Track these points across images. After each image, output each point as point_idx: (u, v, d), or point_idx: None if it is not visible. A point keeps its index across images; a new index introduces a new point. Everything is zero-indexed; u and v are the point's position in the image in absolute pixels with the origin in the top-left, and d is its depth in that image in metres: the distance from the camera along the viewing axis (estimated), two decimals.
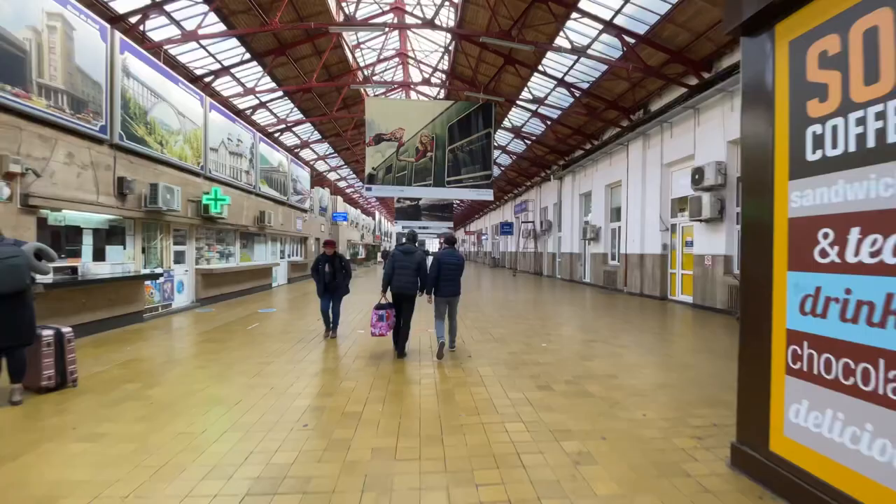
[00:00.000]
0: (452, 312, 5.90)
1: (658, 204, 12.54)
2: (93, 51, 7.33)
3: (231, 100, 14.58)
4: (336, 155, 24.93)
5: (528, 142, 19.50)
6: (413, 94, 19.31)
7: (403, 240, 6.08)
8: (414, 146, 12.83)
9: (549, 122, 16.48)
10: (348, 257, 29.41)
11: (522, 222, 25.93)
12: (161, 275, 8.87)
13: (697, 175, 10.27)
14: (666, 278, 12.38)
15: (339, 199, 28.08)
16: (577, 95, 13.59)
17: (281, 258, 17.04)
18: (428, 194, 13.64)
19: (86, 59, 7.17)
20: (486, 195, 12.99)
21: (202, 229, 11.12)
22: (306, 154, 23.12)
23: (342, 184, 33.97)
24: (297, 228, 18.17)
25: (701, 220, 10.35)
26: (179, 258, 10.26)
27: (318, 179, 27.41)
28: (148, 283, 8.78)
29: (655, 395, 4.39)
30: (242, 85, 13.53)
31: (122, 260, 8.19)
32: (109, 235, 7.98)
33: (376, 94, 15.59)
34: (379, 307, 5.60)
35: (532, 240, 24.68)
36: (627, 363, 5.59)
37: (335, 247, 6.93)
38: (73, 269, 7.09)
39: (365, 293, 13.65)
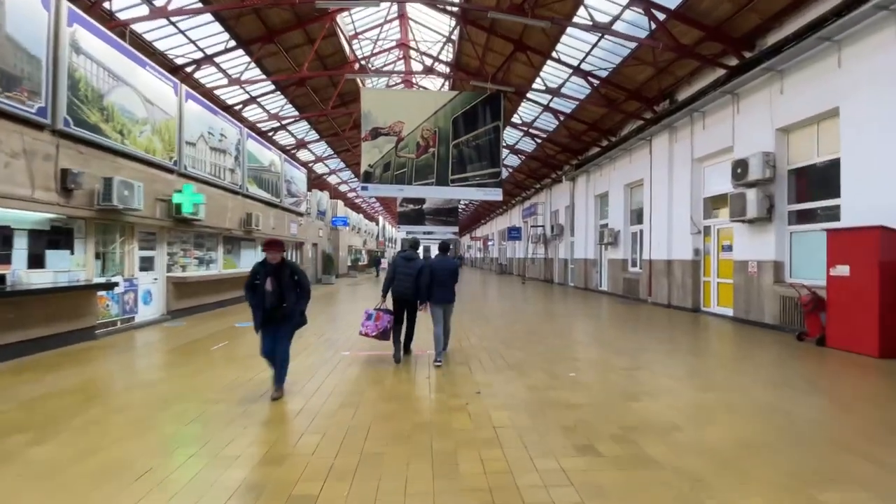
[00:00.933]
0: (447, 318, 5.91)
1: (688, 204, 11.16)
2: (30, 19, 6.18)
3: (218, 93, 13.48)
4: (335, 156, 23.82)
5: (539, 140, 18.22)
6: (414, 87, 18.13)
7: (407, 246, 6.26)
8: (414, 141, 11.60)
9: (561, 118, 15.19)
10: (350, 261, 28.28)
11: (532, 227, 24.60)
12: (115, 284, 7.64)
13: (740, 169, 8.90)
14: (698, 287, 10.97)
15: (340, 203, 26.95)
16: (595, 85, 12.30)
17: None
18: (430, 194, 12.38)
19: (20, 29, 6.00)
20: (495, 195, 11.71)
21: (176, 232, 9.92)
22: (304, 156, 22.02)
23: (343, 188, 32.88)
24: (292, 233, 16.98)
25: (744, 221, 8.97)
26: (147, 265, 9.05)
27: (318, 183, 26.33)
28: (102, 293, 7.55)
29: (747, 463, 3.02)
30: (226, 74, 12.40)
31: (68, 267, 6.97)
32: (52, 238, 6.77)
33: (374, 84, 14.39)
34: (378, 310, 5.76)
35: (542, 245, 23.31)
36: (689, 405, 4.22)
37: (282, 250, 4.50)
38: (0, 279, 5.88)
39: (366, 300, 12.37)
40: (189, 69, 11.77)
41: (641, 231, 13.76)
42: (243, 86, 13.27)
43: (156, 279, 9.19)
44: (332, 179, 29.09)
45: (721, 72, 9.85)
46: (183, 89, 9.86)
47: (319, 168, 25.56)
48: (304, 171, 18.97)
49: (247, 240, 13.48)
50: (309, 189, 21.37)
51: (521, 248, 29.99)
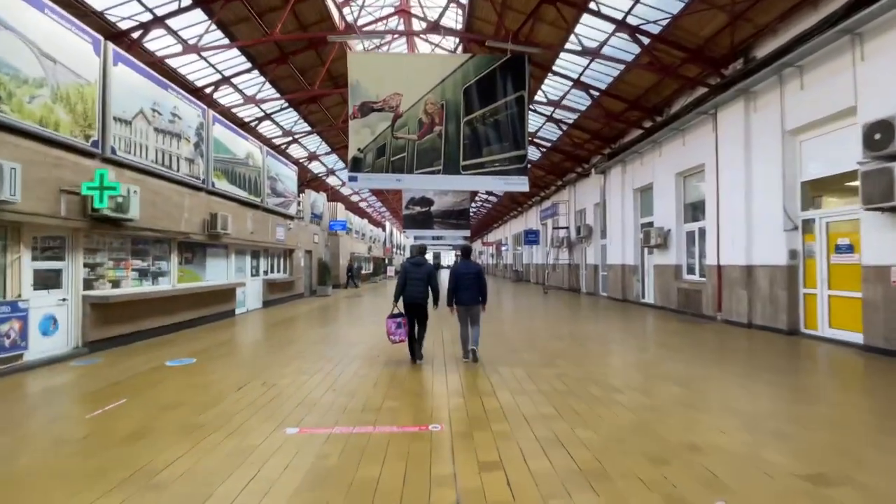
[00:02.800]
0: (474, 320, 6.09)
1: (778, 191, 8.43)
2: None
3: (173, 65, 11.16)
4: (332, 152, 21.46)
5: (565, 126, 15.58)
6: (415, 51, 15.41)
7: (415, 252, 6.46)
8: (416, 118, 9.07)
9: (595, 94, 12.56)
10: (351, 270, 25.77)
11: (554, 228, 21.90)
12: None
13: (879, 134, 6.19)
14: (796, 302, 8.19)
15: (340, 206, 24.58)
16: (645, 44, 9.67)
17: (254, 275, 13.41)
18: (437, 184, 9.81)
19: None
20: (519, 184, 9.09)
21: (99, 237, 7.50)
22: (297, 153, 19.68)
23: (346, 190, 30.53)
24: (278, 238, 14.57)
25: (884, 209, 6.24)
26: (53, 281, 6.63)
27: (316, 185, 24.00)
28: None
29: None
30: (178, 37, 10.04)
31: None
32: None
33: (365, 48, 11.80)
34: (392, 316, 5.97)
35: (566, 249, 20.58)
36: None
37: None
38: None
39: (363, 324, 9.84)
40: (136, 34, 9.44)
41: (702, 230, 11.01)
42: (202, 55, 10.92)
43: (63, 300, 6.75)
44: (333, 181, 26.76)
45: (827, 10, 7.18)
46: (110, 49, 7.49)
47: (316, 168, 23.23)
48: (295, 169, 16.61)
49: (214, 246, 11.06)
50: (301, 189, 19.03)
51: (539, 254, 27.27)
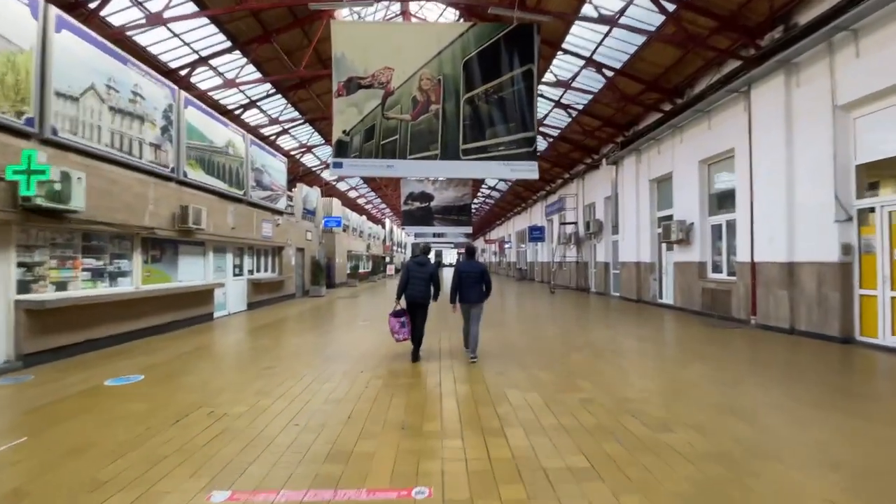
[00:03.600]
0: (476, 319, 6.14)
1: (828, 176, 7.28)
2: None
3: (142, 42, 10.07)
4: (326, 143, 20.35)
5: (574, 112, 14.42)
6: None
7: (419, 252, 6.64)
8: (409, 95, 7.95)
9: (609, 74, 11.41)
10: (348, 269, 24.66)
11: (561, 224, 20.75)
12: None
13: None
14: (851, 305, 7.06)
15: (336, 201, 23.47)
16: (670, 11, 8.52)
17: (236, 275, 12.34)
18: (433, 171, 8.66)
19: None
20: (528, 170, 7.93)
21: (37, 230, 6.43)
22: (288, 144, 18.60)
23: (343, 185, 29.45)
24: (264, 235, 13.51)
25: None
26: None
27: (311, 180, 22.94)
28: None
29: None
30: (141, 7, 8.95)
31: None
32: None
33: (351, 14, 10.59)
34: (396, 314, 6.02)
35: (573, 246, 19.44)
36: None
37: None
38: None
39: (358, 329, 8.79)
40: (93, 4, 8.35)
41: (731, 223, 9.88)
42: (172, 29, 9.83)
43: None
44: (328, 175, 25.62)
45: None
46: (51, 12, 6.41)
47: (310, 161, 22.14)
48: (284, 161, 15.54)
49: (188, 243, 10.00)
50: (293, 183, 17.97)
51: (544, 251, 26.14)
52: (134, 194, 7.96)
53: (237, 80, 11.76)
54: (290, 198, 17.09)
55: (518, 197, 30.31)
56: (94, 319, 7.07)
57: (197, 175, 9.98)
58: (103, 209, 7.20)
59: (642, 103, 12.05)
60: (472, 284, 6.08)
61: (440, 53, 7.97)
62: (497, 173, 8.57)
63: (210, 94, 12.23)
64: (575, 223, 19.35)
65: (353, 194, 33.50)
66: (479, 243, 56.85)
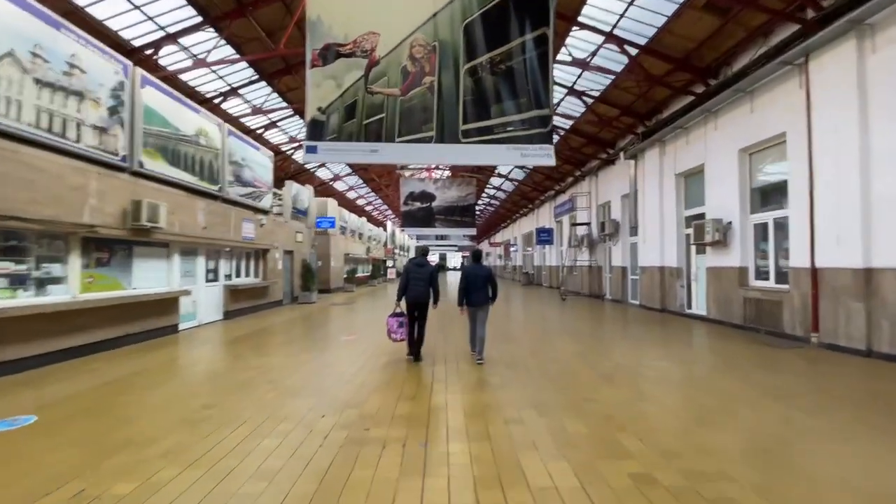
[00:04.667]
0: (482, 321, 6.23)
1: None
2: None
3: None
4: None
5: (590, 99, 12.98)
6: None
7: (418, 254, 6.57)
8: (398, 66, 6.56)
9: (634, 52, 9.98)
10: (345, 273, 23.20)
11: (572, 225, 19.26)
12: None
13: None
14: None
15: (332, 201, 22.16)
16: None
17: (210, 281, 10.98)
18: (426, 156, 7.25)
19: None
20: (542, 156, 6.43)
21: None
22: (278, 139, 17.29)
23: (340, 186, 28.17)
24: (245, 236, 12.17)
25: None
26: None
27: (305, 179, 21.66)
28: None
29: None
30: None
31: None
32: None
33: None
34: (394, 315, 6.16)
35: (586, 249, 17.95)
36: None
37: None
38: None
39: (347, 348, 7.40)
40: None
41: (780, 221, 8.39)
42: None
43: None
44: (324, 174, 24.38)
45: None
46: None
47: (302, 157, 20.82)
48: (270, 155, 14.23)
49: (147, 245, 8.66)
50: (282, 181, 16.66)
51: (552, 254, 24.66)
52: (68, 185, 6.63)
53: (209, 60, 10.42)
54: (277, 196, 15.79)
55: (524, 197, 28.87)
56: (9, 336, 5.72)
57: (157, 166, 8.65)
58: (22, 202, 5.87)
59: (670, 86, 10.60)
60: (479, 288, 6.19)
61: (436, 15, 6.57)
62: (505, 159, 7.11)
63: (182, 77, 10.96)
64: (587, 224, 17.87)
65: (352, 195, 32.24)
66: (483, 246, 55.41)
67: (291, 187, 16.34)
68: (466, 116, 6.48)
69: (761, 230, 9.01)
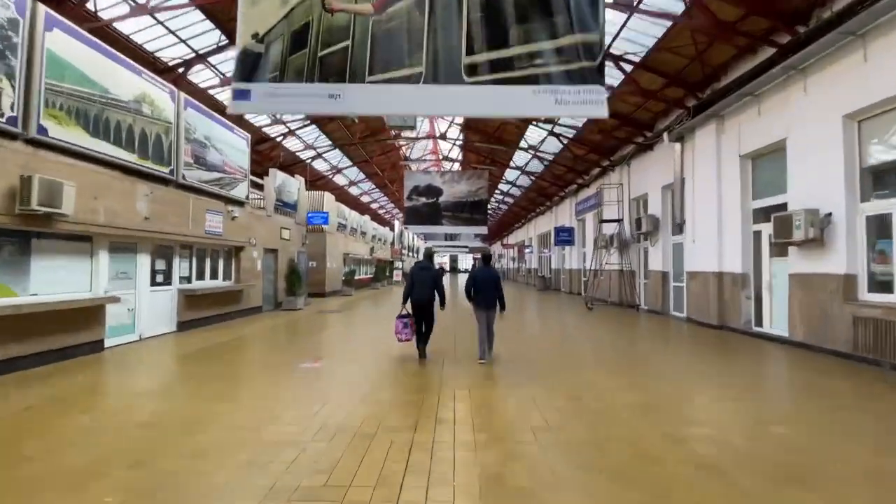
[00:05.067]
0: (490, 322, 6.38)
1: None
2: None
3: None
4: (310, 123, 17.01)
5: (629, 65, 10.61)
6: None
7: (424, 257, 7.15)
8: None
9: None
10: (343, 274, 20.98)
11: (600, 222, 16.84)
12: None
13: None
14: None
15: (328, 196, 20.13)
16: None
17: (160, 283, 8.93)
18: (413, 105, 4.88)
19: None
20: (589, 102, 4.05)
21: None
22: (273, 130, 15.27)
23: (341, 179, 26.16)
24: (211, 230, 10.15)
25: None
26: None
27: (298, 169, 19.65)
28: None
29: None
30: None
31: None
32: None
33: None
34: (401, 317, 6.44)
35: (615, 251, 15.53)
36: None
37: None
38: None
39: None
40: None
41: None
42: None
43: None
44: (321, 166, 22.36)
45: None
46: None
47: (294, 145, 18.83)
48: (246, 137, 12.21)
49: (56, 238, 6.61)
50: (263, 172, 14.63)
51: (573, 256, 22.25)
52: None
53: (151, 5, 8.34)
54: (258, 186, 13.77)
55: (542, 193, 26.47)
56: None
57: (70, 134, 6.59)
58: None
59: (746, 34, 8.11)
60: (487, 290, 6.30)
61: None
62: (530, 108, 4.69)
63: (133, 38, 8.91)
64: (618, 221, 15.44)
65: (355, 191, 30.24)
66: (495, 248, 53.01)
67: (276, 176, 14.29)
68: (473, 44, 4.24)
69: (877, 224, 6.58)
